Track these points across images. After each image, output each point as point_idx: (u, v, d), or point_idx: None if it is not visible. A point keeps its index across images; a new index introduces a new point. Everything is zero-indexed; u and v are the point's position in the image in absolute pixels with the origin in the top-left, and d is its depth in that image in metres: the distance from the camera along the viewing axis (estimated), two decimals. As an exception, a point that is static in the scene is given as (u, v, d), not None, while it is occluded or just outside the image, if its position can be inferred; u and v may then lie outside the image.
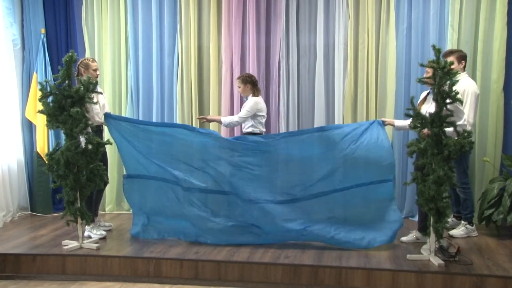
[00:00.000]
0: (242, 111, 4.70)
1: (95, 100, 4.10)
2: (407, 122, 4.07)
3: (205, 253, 3.93)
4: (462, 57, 4.37)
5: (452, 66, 4.01)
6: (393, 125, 4.21)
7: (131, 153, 4.29)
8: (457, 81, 3.57)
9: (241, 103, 5.27)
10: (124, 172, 4.47)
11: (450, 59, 4.16)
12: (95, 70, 4.45)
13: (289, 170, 4.18)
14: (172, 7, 5.36)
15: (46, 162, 4.17)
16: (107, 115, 4.33)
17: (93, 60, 4.54)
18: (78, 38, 5.52)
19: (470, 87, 4.27)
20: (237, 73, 5.23)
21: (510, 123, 4.79)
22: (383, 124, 4.12)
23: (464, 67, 4.40)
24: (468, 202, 4.36)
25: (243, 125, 4.74)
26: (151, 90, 5.43)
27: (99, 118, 4.42)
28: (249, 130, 4.68)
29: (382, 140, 4.04)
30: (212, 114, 5.26)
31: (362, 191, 4.04)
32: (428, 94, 4.07)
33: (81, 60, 4.43)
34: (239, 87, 4.76)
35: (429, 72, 3.85)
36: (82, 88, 3.97)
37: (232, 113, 5.26)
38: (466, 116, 4.05)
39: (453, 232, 4.32)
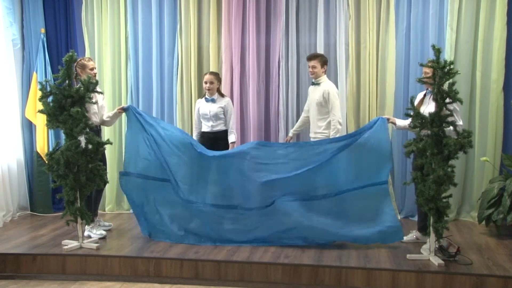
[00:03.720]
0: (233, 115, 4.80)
1: (93, 100, 4.09)
2: (407, 122, 4.06)
3: (205, 253, 3.93)
4: (325, 62, 4.57)
5: (315, 70, 4.44)
6: (395, 123, 4.18)
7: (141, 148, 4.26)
8: (455, 82, 3.56)
9: (241, 102, 5.29)
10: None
11: (314, 63, 4.47)
12: (92, 69, 4.42)
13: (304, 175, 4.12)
14: (172, 7, 5.36)
15: (46, 162, 4.17)
16: (131, 108, 4.33)
17: (89, 60, 4.51)
18: (78, 38, 5.52)
19: (334, 88, 4.52)
20: (237, 73, 5.23)
21: (510, 123, 4.79)
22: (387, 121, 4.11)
23: (325, 71, 4.58)
24: None
25: (215, 124, 4.71)
26: (151, 90, 5.43)
27: (96, 118, 4.41)
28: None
29: (384, 141, 4.04)
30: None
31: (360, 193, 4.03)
32: (425, 95, 4.06)
33: (77, 61, 4.35)
34: (212, 83, 4.67)
35: (428, 72, 3.84)
36: (82, 88, 3.97)
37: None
38: (337, 117, 4.40)
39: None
